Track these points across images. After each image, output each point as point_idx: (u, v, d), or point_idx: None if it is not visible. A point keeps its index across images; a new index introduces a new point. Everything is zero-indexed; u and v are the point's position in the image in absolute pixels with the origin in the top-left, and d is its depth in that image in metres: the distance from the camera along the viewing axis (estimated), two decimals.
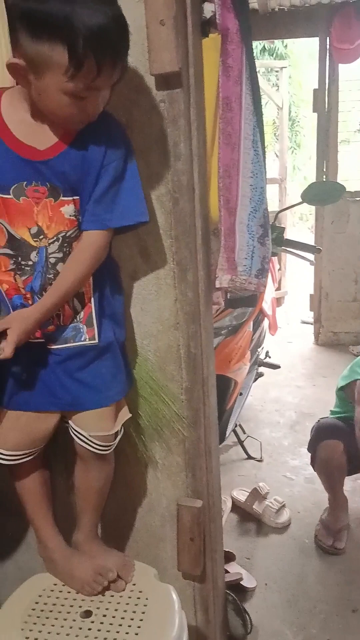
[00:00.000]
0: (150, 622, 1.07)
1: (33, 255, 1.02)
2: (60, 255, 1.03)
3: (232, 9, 1.17)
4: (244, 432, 2.73)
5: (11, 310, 1.05)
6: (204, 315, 1.28)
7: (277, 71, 5.07)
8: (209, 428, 1.36)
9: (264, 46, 7.38)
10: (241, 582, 1.82)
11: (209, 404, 1.35)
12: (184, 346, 1.24)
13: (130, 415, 1.20)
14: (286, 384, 3.51)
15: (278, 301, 5.10)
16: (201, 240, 1.21)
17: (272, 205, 4.42)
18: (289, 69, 6.19)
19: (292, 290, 5.47)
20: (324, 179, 3.83)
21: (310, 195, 2.06)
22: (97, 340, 1.09)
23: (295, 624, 1.71)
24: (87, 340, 1.09)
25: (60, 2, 0.82)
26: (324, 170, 3.85)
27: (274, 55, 7.83)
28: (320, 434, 1.96)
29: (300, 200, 2.10)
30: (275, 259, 3.16)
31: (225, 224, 1.28)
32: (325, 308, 4.16)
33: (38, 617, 1.09)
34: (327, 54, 3.62)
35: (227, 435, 2.40)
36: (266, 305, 2.66)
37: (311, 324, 4.33)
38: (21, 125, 0.97)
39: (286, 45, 8.13)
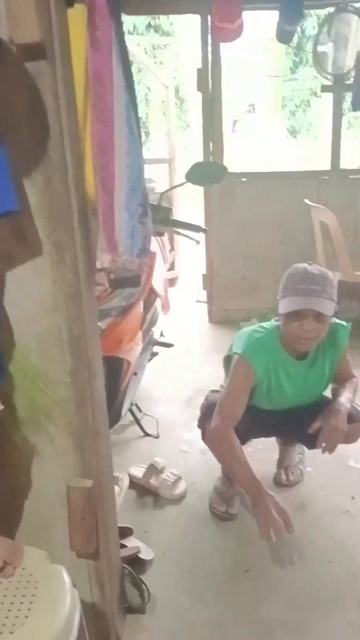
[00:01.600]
0: (41, 604, 1.07)
1: None
2: None
3: None
4: (140, 411, 2.77)
5: None
6: (85, 296, 1.28)
7: (162, 48, 5.06)
8: (97, 409, 1.37)
9: (149, 22, 7.34)
10: (139, 555, 1.85)
11: (95, 386, 1.35)
12: (66, 328, 1.23)
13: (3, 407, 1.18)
14: (181, 362, 3.58)
15: (172, 282, 5.17)
16: (78, 221, 1.20)
17: (163, 186, 4.45)
18: (176, 46, 6.21)
19: (187, 271, 5.57)
20: (211, 160, 3.91)
21: (194, 175, 2.10)
22: None
23: (192, 590, 1.78)
24: None
25: None
26: (210, 150, 3.92)
27: (160, 32, 7.81)
28: (209, 411, 2.03)
29: (185, 180, 2.14)
30: (165, 239, 3.20)
31: (103, 203, 1.27)
32: (217, 287, 4.28)
33: None
34: (209, 32, 3.65)
35: (122, 415, 2.41)
36: (158, 285, 2.70)
37: (205, 302, 4.44)
38: None
39: (172, 23, 8.13)
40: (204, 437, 2.09)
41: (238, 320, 4.22)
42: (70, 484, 1.30)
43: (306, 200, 3.83)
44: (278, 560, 1.86)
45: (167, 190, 2.21)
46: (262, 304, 4.26)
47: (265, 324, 2.05)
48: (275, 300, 1.96)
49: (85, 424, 1.32)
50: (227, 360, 2.12)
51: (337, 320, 2.04)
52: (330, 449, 1.94)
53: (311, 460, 2.40)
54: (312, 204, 3.75)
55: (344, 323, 2.07)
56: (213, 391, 2.20)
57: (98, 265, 1.32)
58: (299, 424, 2.03)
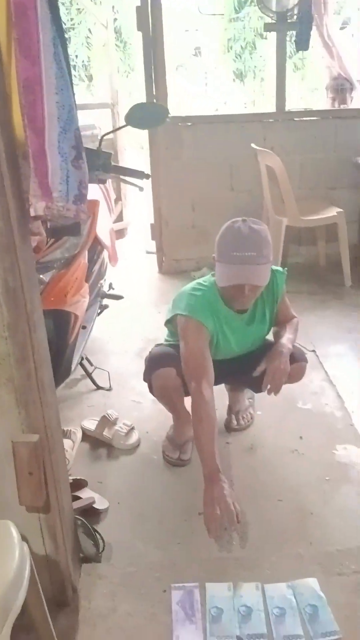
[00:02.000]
0: None
1: None
2: None
3: None
4: (91, 364, 2.74)
5: None
6: (20, 246, 1.22)
7: None
8: (40, 362, 1.33)
9: None
10: (93, 505, 1.87)
11: (37, 339, 1.31)
12: (1, 280, 1.17)
13: None
14: (132, 314, 3.55)
15: (121, 233, 5.08)
16: (6, 165, 1.13)
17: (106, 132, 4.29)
18: None
19: (135, 221, 5.47)
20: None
21: (134, 117, 2.02)
22: None
23: (147, 535, 1.81)
24: None
25: None
26: (153, 93, 3.79)
27: None
28: (153, 364, 2.02)
29: (124, 123, 2.05)
30: (110, 188, 3.10)
31: (33, 145, 1.19)
32: (166, 236, 4.22)
33: None
34: None
35: (73, 369, 2.38)
36: (104, 236, 2.63)
37: (154, 253, 4.39)
38: None
39: None
40: (151, 390, 2.09)
41: (189, 271, 4.21)
42: (16, 440, 1.28)
43: (253, 145, 3.78)
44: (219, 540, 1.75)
45: (107, 134, 2.12)
46: (212, 252, 4.24)
47: (204, 280, 2.03)
48: None
49: (28, 378, 1.29)
50: (169, 325, 2.10)
51: (274, 267, 2.03)
52: (275, 390, 1.97)
53: (261, 404, 2.45)
54: (258, 148, 3.70)
55: (280, 269, 2.07)
56: (158, 345, 2.19)
57: (32, 213, 1.26)
58: (245, 369, 2.05)
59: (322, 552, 1.66)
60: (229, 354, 2.09)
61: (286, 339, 2.05)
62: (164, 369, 2.00)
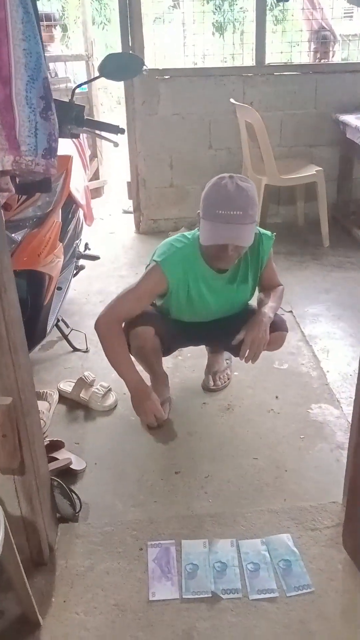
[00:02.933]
0: None
1: None
2: None
3: None
4: (68, 326, 2.71)
5: None
6: None
7: None
8: (11, 324, 1.30)
9: None
10: (70, 466, 1.87)
11: (7, 300, 1.28)
12: None
13: None
14: (109, 275, 3.51)
15: (97, 191, 4.97)
16: None
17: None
18: None
19: (112, 179, 5.34)
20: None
21: (108, 68, 1.94)
22: None
23: (125, 494, 1.82)
24: None
25: None
26: (129, 45, 3.64)
27: None
28: (131, 322, 2.00)
29: (98, 74, 1.97)
30: (85, 143, 3.00)
31: None
32: (144, 196, 4.14)
33: None
34: None
35: (48, 331, 2.35)
36: (78, 194, 2.55)
37: (131, 213, 4.31)
38: None
39: None
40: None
41: (167, 231, 4.14)
42: None
43: (232, 100, 3.68)
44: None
45: (79, 85, 2.03)
46: (191, 212, 4.18)
47: (188, 234, 1.99)
48: None
49: (0, 339, 1.26)
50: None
51: (262, 230, 2.00)
52: (253, 358, 1.97)
53: (238, 365, 2.45)
54: (237, 103, 3.61)
55: (268, 233, 2.03)
56: None
57: None
58: (226, 333, 2.04)
59: (296, 508, 1.69)
60: (209, 315, 2.07)
61: (268, 308, 2.03)
62: (142, 328, 1.98)
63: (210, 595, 1.42)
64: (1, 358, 1.28)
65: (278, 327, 2.06)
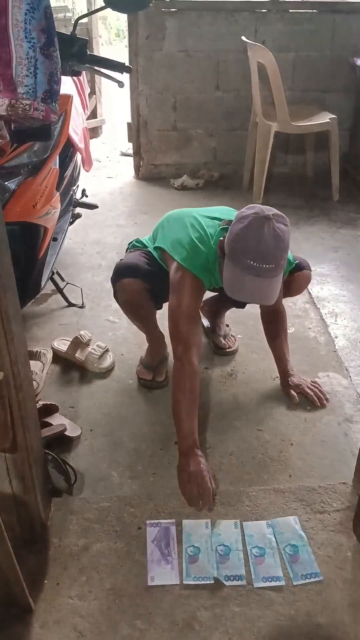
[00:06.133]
0: None
1: None
2: None
3: None
4: (63, 280, 2.57)
5: None
6: None
7: None
8: (4, 288, 1.16)
9: None
10: (65, 433, 1.78)
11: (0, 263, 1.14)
12: None
13: None
14: (107, 224, 3.33)
15: (95, 131, 4.70)
16: None
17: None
18: None
19: (111, 118, 5.06)
20: None
21: None
22: None
23: (122, 464, 1.74)
24: None
25: None
26: None
27: None
28: (118, 272, 1.86)
29: (104, 4, 1.75)
30: (84, 80, 2.76)
31: None
32: (145, 139, 3.90)
33: None
34: None
35: (43, 285, 2.22)
36: (76, 137, 2.35)
37: (131, 156, 4.08)
38: None
39: None
40: (115, 296, 1.94)
41: (168, 178, 3.94)
42: None
43: (243, 37, 3.40)
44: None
45: (83, 16, 1.81)
46: (195, 158, 3.97)
47: (210, 233, 1.77)
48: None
49: None
50: (157, 251, 1.91)
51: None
52: (320, 397, 2.00)
53: (242, 328, 2.35)
54: (248, 41, 3.34)
55: (290, 259, 1.88)
56: (132, 247, 2.05)
57: None
58: None
59: (304, 488, 1.61)
60: None
61: (287, 364, 2.05)
62: (129, 280, 1.83)
63: (212, 581, 1.35)
64: None
65: (301, 266, 1.96)
